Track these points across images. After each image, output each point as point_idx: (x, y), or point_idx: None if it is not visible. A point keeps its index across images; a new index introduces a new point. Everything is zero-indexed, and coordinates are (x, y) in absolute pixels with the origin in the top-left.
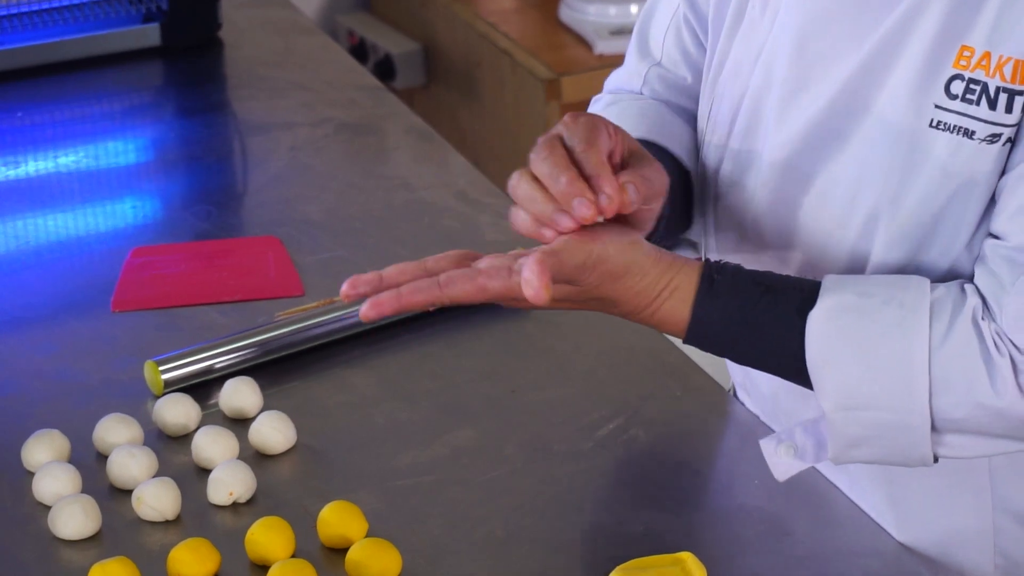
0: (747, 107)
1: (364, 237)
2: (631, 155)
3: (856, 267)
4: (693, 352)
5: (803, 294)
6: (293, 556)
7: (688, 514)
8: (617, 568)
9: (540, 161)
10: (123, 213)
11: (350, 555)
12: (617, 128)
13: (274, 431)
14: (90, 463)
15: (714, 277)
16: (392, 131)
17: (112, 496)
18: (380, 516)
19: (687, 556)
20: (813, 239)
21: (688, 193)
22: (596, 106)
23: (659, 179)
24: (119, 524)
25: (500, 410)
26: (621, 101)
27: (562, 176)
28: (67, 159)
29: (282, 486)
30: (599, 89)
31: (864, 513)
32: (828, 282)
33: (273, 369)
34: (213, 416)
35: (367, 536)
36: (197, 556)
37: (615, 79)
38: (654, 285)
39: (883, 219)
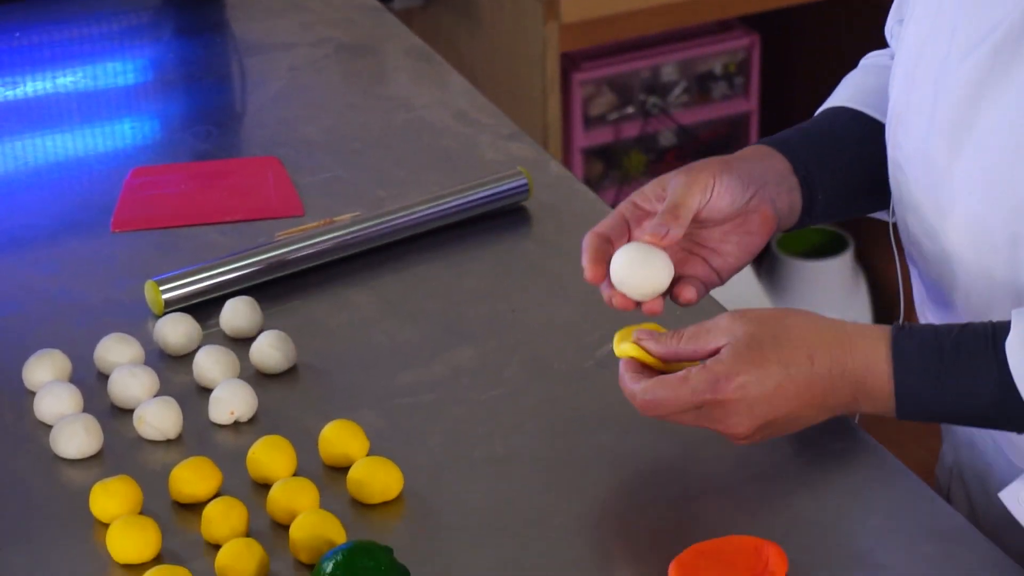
0: (928, 53)
1: (363, 157)
2: (665, 187)
3: None
4: None
5: (988, 332)
6: (294, 475)
7: (690, 433)
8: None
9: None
10: (122, 133)
11: (351, 473)
12: (722, 186)
13: (275, 350)
14: (91, 383)
15: (903, 345)
16: (391, 51)
17: (113, 415)
18: (381, 435)
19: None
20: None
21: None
22: (856, 69)
23: (693, 189)
24: (120, 443)
25: (500, 329)
26: (862, 68)
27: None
28: (66, 79)
29: (283, 405)
30: (599, 10)
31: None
32: (1017, 313)
33: (273, 289)
34: (214, 335)
35: (368, 455)
36: (198, 475)
37: (886, 29)
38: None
39: None
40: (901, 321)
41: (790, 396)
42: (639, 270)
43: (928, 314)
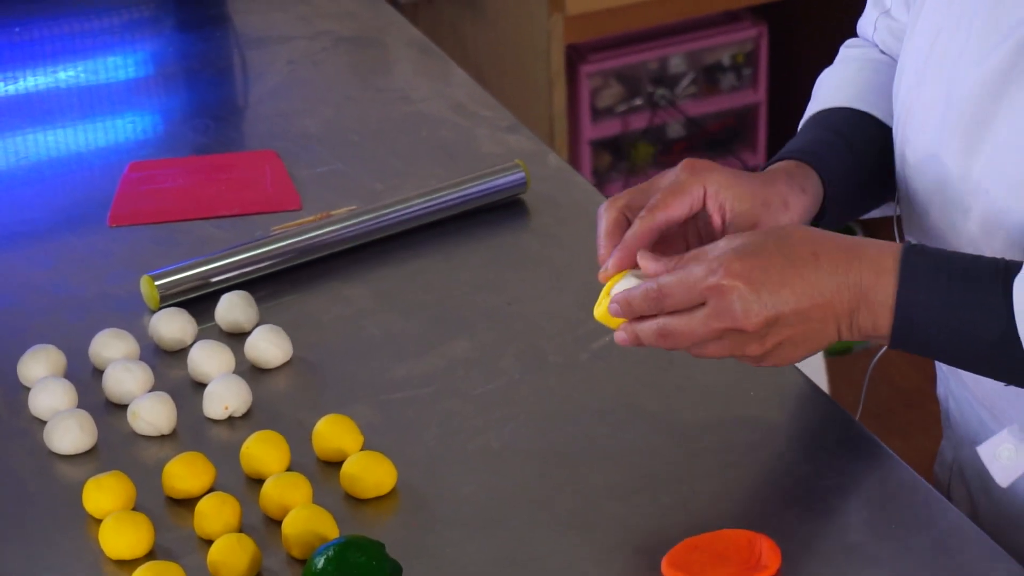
0: (940, 47)
1: (361, 150)
2: (736, 221)
3: None
4: None
5: (1000, 267)
6: (288, 470)
7: (685, 425)
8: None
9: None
10: (122, 127)
11: (345, 468)
12: (716, 186)
13: (270, 345)
14: (86, 378)
15: (913, 261)
16: (391, 44)
17: (108, 411)
18: (375, 429)
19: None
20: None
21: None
22: (836, 63)
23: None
24: (115, 438)
25: (496, 322)
26: (845, 62)
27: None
28: (66, 74)
29: (278, 400)
30: (604, 2)
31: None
32: None
33: (269, 283)
34: (209, 330)
35: (362, 449)
36: (192, 470)
37: (860, 22)
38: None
39: None
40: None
41: (797, 290)
42: None
43: None
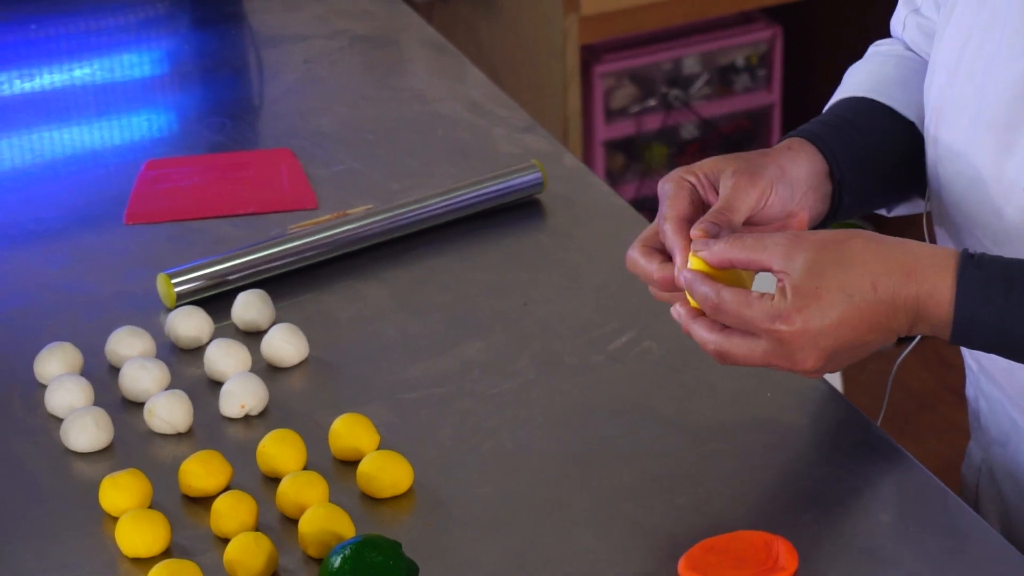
0: (973, 48)
1: (377, 149)
2: (719, 180)
3: None
4: None
5: None
6: (304, 468)
7: (700, 427)
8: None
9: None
10: (138, 126)
11: (361, 467)
12: (696, 169)
13: (286, 344)
14: (102, 376)
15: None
16: (407, 43)
17: (124, 408)
18: (391, 428)
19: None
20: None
21: (920, 143)
22: (863, 59)
23: (746, 193)
24: (131, 436)
25: (511, 323)
26: (874, 56)
27: (649, 284)
28: (82, 72)
29: (294, 398)
30: (619, 2)
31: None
32: None
33: (286, 282)
34: (225, 329)
35: (378, 448)
36: (208, 468)
37: (892, 20)
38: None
39: None
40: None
41: (854, 324)
42: None
43: None
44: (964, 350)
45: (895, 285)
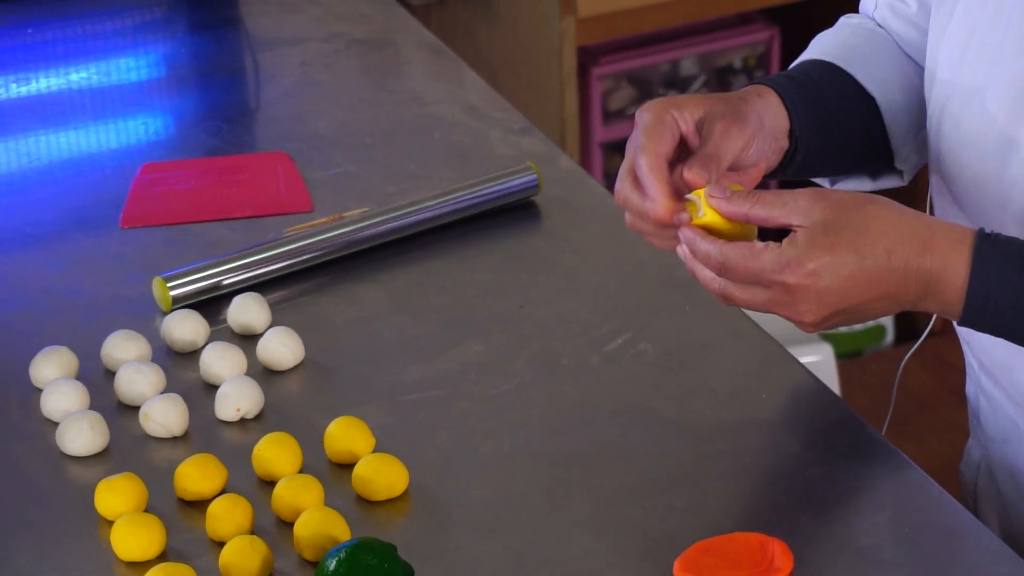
0: (977, 43)
1: (374, 152)
2: (704, 122)
3: None
4: None
5: None
6: (300, 472)
7: (696, 428)
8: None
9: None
10: (134, 129)
11: (357, 470)
12: (681, 106)
13: (282, 347)
14: (98, 379)
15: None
16: (404, 46)
17: (120, 412)
18: (387, 431)
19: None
20: None
21: (877, 120)
22: (833, 28)
23: (734, 141)
24: (126, 440)
25: (508, 325)
26: (843, 27)
27: (627, 212)
28: (78, 75)
29: (289, 402)
30: (616, 4)
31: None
32: None
33: (281, 285)
34: (221, 332)
35: (374, 451)
36: (204, 472)
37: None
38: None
39: None
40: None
41: (862, 287)
42: None
43: None
44: (966, 348)
45: (909, 254)
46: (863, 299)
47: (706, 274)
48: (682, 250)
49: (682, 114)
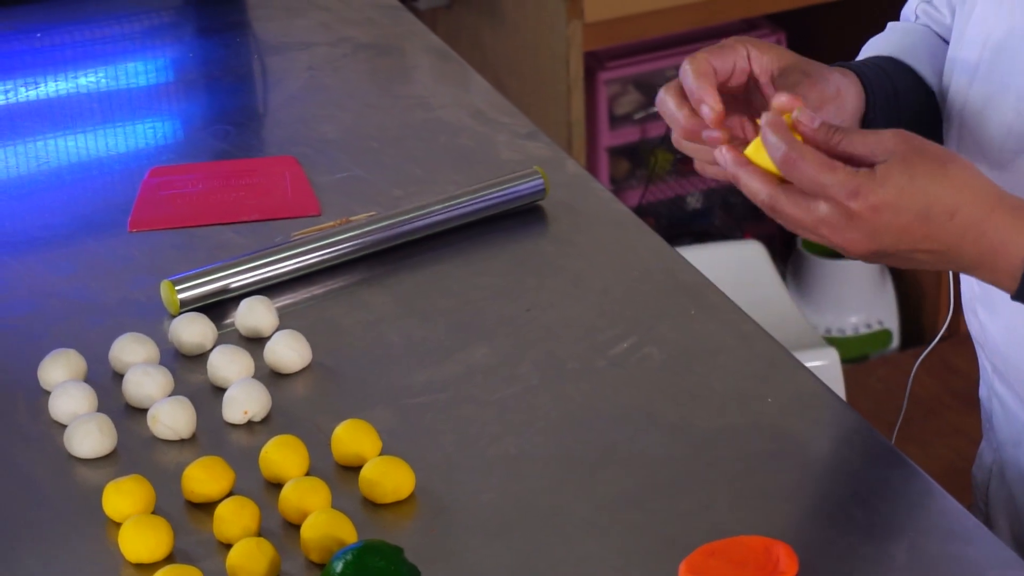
0: (989, 54)
1: (380, 156)
2: (787, 73)
3: None
4: (710, 271)
5: None
6: (307, 474)
7: (702, 432)
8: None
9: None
10: (142, 133)
11: (364, 473)
12: (764, 49)
13: (289, 350)
14: (106, 382)
15: None
16: (410, 51)
17: (128, 415)
18: (394, 434)
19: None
20: None
21: (935, 111)
22: (883, 32)
23: (814, 98)
24: (134, 443)
25: (514, 328)
26: (895, 28)
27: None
28: (86, 79)
29: (297, 404)
30: (623, 9)
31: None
32: None
33: (289, 288)
34: (229, 335)
35: (381, 454)
36: (211, 474)
37: (904, 10)
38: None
39: None
40: (951, 315)
41: (917, 237)
42: None
43: (979, 311)
44: (979, 350)
45: (972, 220)
46: (914, 247)
47: (753, 185)
48: (721, 154)
49: (760, 56)
